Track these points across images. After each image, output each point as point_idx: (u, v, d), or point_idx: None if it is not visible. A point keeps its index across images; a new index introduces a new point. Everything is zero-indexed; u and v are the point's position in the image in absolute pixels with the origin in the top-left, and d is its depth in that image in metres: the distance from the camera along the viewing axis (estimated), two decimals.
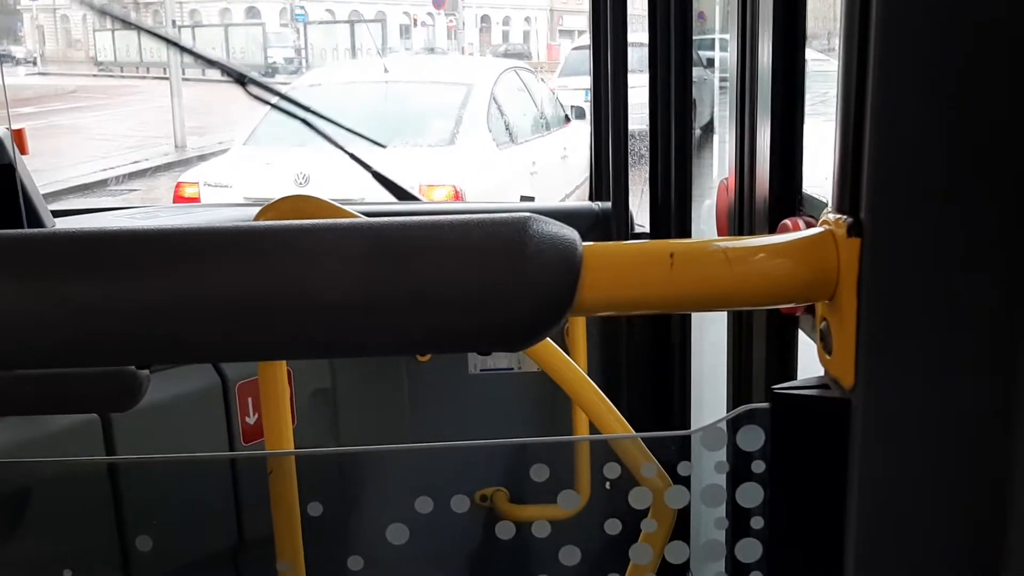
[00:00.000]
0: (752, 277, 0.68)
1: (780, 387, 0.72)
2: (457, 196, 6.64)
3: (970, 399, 0.67)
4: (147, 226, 0.67)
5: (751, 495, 0.80)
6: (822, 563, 0.73)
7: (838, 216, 0.68)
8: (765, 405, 0.75)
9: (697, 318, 2.39)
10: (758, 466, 0.78)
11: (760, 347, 1.68)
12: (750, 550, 0.82)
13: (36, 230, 0.69)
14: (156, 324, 0.65)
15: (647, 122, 2.45)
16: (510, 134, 7.97)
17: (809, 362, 0.78)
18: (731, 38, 1.69)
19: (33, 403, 1.57)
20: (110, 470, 1.64)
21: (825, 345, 0.72)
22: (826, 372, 0.73)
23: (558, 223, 0.67)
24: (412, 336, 0.66)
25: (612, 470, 0.92)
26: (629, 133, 2.60)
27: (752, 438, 0.77)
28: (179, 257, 0.66)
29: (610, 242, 0.71)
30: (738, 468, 0.81)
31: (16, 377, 1.44)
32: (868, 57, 0.64)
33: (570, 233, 0.66)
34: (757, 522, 0.80)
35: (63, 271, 0.65)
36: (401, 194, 3.19)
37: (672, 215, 2.40)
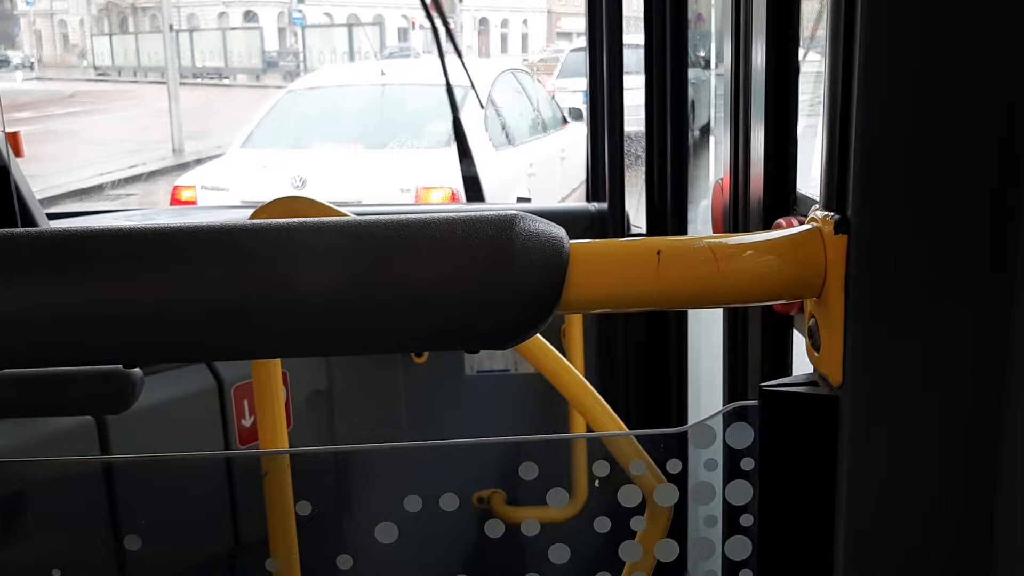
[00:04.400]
0: (739, 274, 0.68)
1: (769, 384, 0.72)
2: (455, 198, 6.63)
3: (956, 395, 0.67)
4: (137, 225, 0.67)
5: (740, 493, 0.80)
6: (811, 560, 0.73)
7: (825, 213, 0.68)
8: (755, 402, 0.75)
9: (694, 317, 2.39)
10: (748, 464, 0.78)
11: (756, 346, 1.68)
12: (740, 548, 0.82)
13: (23, 229, 0.69)
14: (146, 323, 0.65)
15: (643, 124, 2.46)
16: (507, 136, 7.97)
17: (805, 360, 0.79)
18: (726, 40, 1.69)
19: (28, 405, 1.57)
20: (105, 471, 1.64)
21: (814, 342, 0.72)
22: (815, 369, 0.73)
23: (546, 221, 0.67)
24: (399, 334, 0.66)
25: (605, 469, 0.92)
26: (626, 135, 2.60)
27: (741, 436, 0.77)
28: (169, 256, 0.66)
29: (597, 240, 0.71)
30: (728, 466, 0.81)
31: (10, 379, 1.44)
32: (853, 58, 0.64)
33: (557, 231, 0.66)
34: (747, 519, 0.80)
35: (51, 270, 0.65)
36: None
37: (668, 216, 2.40)
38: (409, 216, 0.66)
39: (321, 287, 0.64)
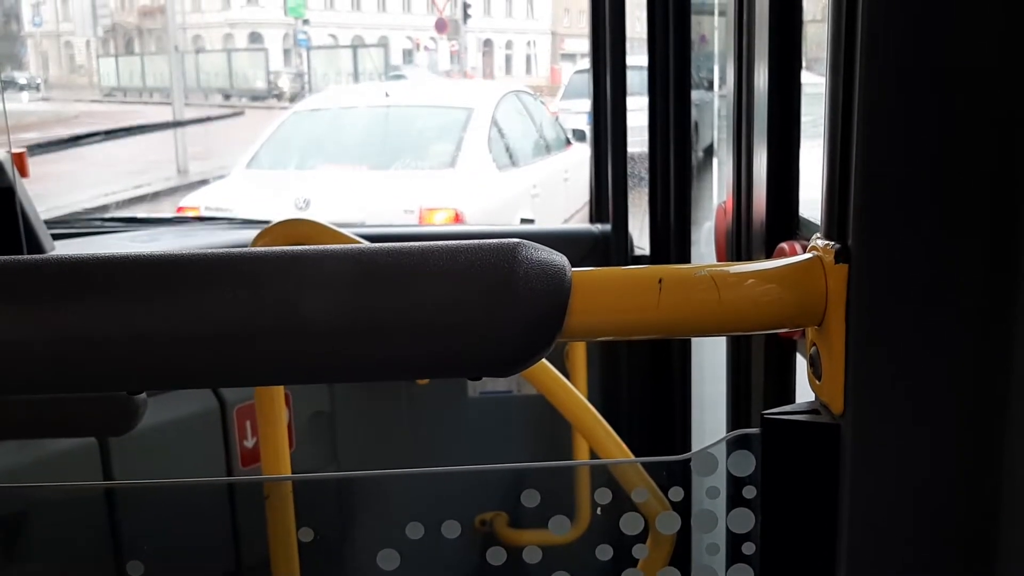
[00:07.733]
0: (741, 303, 0.68)
1: (771, 412, 0.72)
2: (458, 219, 6.64)
3: (958, 424, 0.67)
4: (144, 251, 0.68)
5: (743, 521, 0.80)
6: None
7: (826, 242, 0.68)
8: (757, 431, 0.75)
9: (697, 340, 2.39)
10: (750, 491, 0.78)
11: (759, 372, 1.68)
12: None
13: (29, 256, 0.69)
14: (151, 350, 0.65)
15: (647, 145, 2.46)
16: (511, 157, 7.99)
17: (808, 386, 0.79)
18: (729, 61, 1.70)
19: (31, 427, 1.57)
20: (107, 495, 1.64)
21: (815, 370, 0.72)
22: (816, 397, 0.73)
23: (548, 249, 0.67)
24: (401, 362, 0.66)
25: (607, 496, 0.92)
26: (630, 156, 2.61)
27: (744, 463, 0.77)
28: (174, 283, 0.66)
29: (599, 268, 0.71)
30: (730, 493, 0.80)
31: (13, 401, 1.45)
32: (854, 85, 0.65)
33: (559, 259, 0.67)
34: (749, 548, 0.80)
35: (56, 297, 0.65)
36: None
37: (672, 238, 2.40)
38: (412, 244, 0.66)
39: (326, 315, 0.64)
